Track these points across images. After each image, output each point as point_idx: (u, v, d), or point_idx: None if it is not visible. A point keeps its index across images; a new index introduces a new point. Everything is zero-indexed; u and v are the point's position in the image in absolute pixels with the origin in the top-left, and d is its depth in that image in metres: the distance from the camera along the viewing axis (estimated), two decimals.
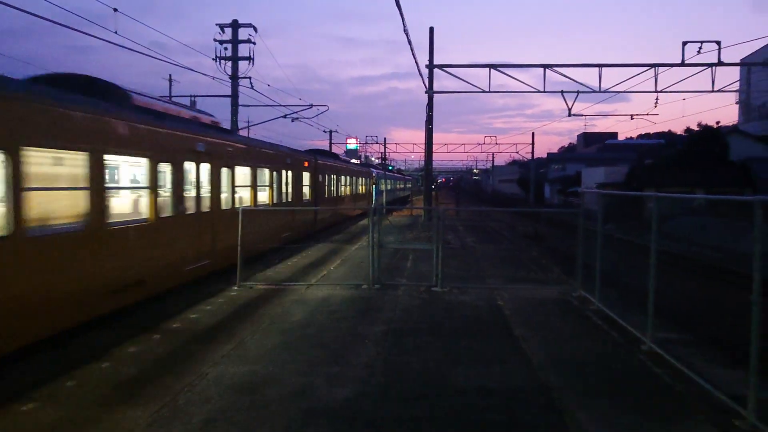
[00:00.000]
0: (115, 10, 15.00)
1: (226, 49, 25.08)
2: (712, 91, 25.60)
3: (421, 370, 6.65)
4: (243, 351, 7.30)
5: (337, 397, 5.78)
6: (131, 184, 10.02)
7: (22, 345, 6.63)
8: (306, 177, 20.84)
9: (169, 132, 10.07)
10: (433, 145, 29.57)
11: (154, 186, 9.44)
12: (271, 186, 16.27)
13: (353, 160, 48.71)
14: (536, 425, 5.23)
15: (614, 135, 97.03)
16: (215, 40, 25.00)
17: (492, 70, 25.69)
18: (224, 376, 6.38)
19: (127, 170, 10.01)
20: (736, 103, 56.35)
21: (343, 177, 28.65)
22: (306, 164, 20.98)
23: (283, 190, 17.76)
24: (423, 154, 30.97)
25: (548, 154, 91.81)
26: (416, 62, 25.94)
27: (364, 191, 36.44)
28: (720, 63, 24.25)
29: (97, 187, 7.91)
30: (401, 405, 5.63)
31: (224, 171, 12.57)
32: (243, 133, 31.38)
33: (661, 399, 5.85)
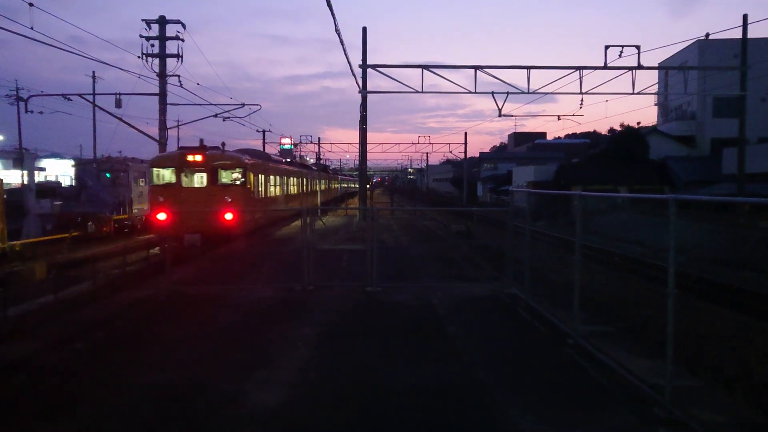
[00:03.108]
0: (31, 5, 14.27)
1: (153, 45, 24.32)
2: (633, 93, 26.80)
3: (354, 371, 6.62)
4: (171, 357, 7.06)
5: (269, 403, 5.67)
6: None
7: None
8: None
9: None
10: (368, 145, 29.64)
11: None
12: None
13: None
14: (468, 421, 5.30)
15: (543, 135, 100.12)
16: (141, 36, 24.18)
17: (425, 70, 26.00)
18: (151, 385, 6.15)
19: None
20: (655, 104, 59.38)
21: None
22: None
23: None
24: (358, 153, 30.73)
25: (480, 153, 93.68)
26: (349, 62, 25.92)
27: None
28: (639, 66, 25.42)
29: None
30: (334, 408, 5.58)
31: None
32: (172, 132, 30.37)
33: (587, 391, 6.05)
